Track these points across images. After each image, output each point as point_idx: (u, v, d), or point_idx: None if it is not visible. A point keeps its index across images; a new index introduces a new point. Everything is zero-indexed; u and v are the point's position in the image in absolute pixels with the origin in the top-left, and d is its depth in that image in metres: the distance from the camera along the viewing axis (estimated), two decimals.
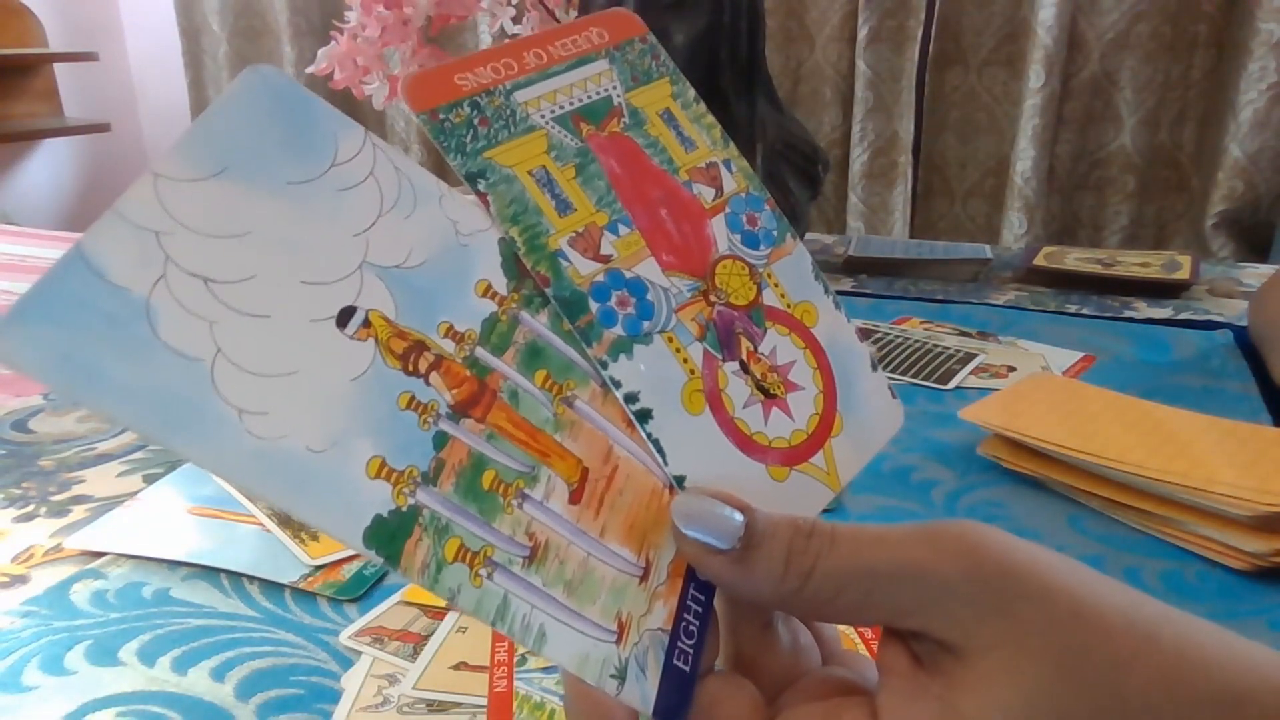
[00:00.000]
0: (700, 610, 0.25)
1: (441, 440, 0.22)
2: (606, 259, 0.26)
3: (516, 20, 0.95)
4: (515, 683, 0.39)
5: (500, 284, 0.24)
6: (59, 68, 2.64)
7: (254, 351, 0.20)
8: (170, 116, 2.79)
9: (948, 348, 0.80)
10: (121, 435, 0.66)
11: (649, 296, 0.26)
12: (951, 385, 0.72)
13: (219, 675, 0.40)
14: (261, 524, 0.52)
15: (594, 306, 0.26)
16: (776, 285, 0.29)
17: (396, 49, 0.93)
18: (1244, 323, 0.86)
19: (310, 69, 0.93)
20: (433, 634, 0.42)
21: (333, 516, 0.20)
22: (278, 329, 0.21)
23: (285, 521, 0.52)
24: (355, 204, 0.22)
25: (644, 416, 0.25)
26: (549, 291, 0.25)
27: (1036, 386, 0.64)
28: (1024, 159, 1.77)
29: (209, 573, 0.48)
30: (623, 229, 0.27)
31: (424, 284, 0.23)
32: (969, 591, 0.21)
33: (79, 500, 0.56)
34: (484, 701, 0.38)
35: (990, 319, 0.89)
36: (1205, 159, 1.72)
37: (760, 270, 0.29)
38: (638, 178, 0.28)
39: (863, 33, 1.85)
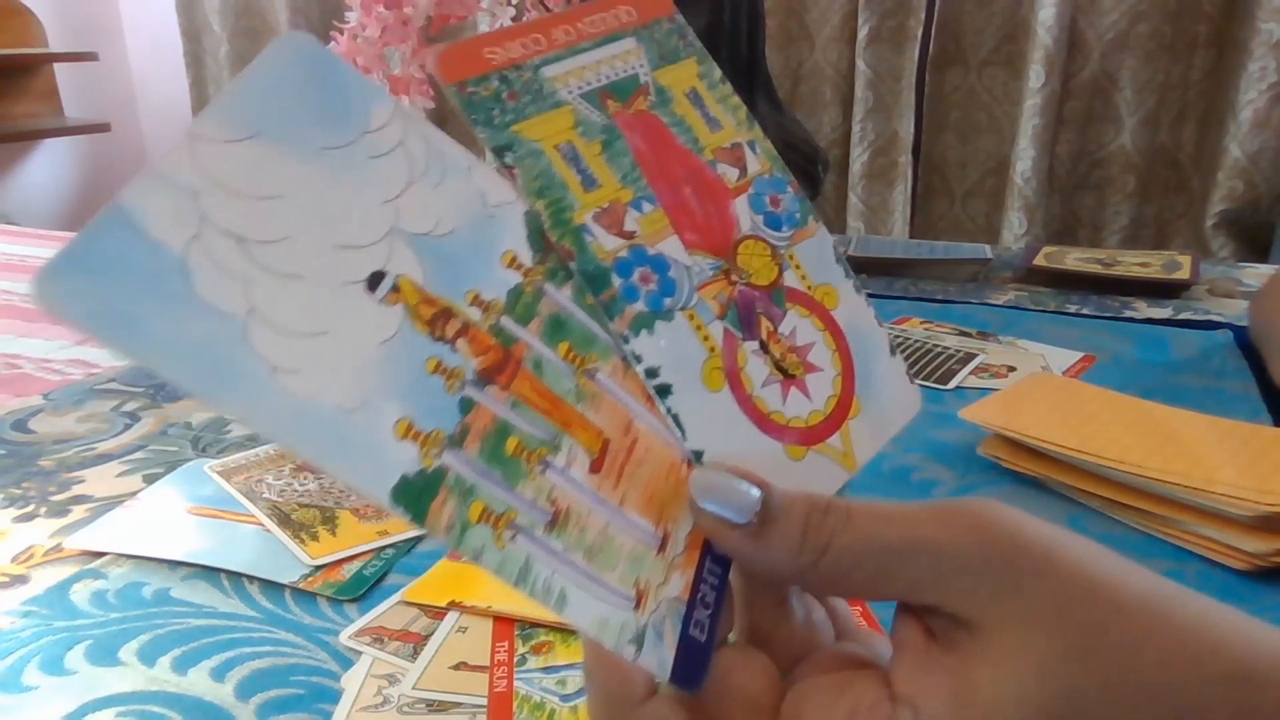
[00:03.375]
0: (716, 583, 0.25)
1: (467, 405, 0.23)
2: (630, 235, 0.26)
3: (516, 20, 0.95)
4: (515, 683, 0.39)
5: (526, 256, 0.25)
6: (59, 68, 2.64)
7: (287, 311, 0.21)
8: (170, 116, 2.79)
9: (948, 348, 0.80)
10: (121, 435, 0.66)
11: (671, 274, 0.27)
12: (951, 385, 0.72)
13: (219, 675, 0.40)
14: (261, 524, 0.52)
15: (616, 281, 0.26)
16: (798, 267, 0.29)
17: (396, 49, 0.93)
18: (1244, 323, 0.86)
19: None
20: (433, 634, 0.42)
21: (361, 474, 0.21)
22: (309, 290, 0.21)
23: (285, 521, 0.52)
24: (386, 171, 0.23)
25: (664, 391, 0.26)
26: (573, 265, 0.25)
27: (1036, 386, 0.64)
28: (1024, 159, 1.77)
29: (209, 573, 0.48)
30: (647, 206, 0.27)
31: (452, 252, 0.23)
32: (983, 567, 0.22)
33: (79, 500, 0.56)
34: (484, 701, 0.38)
35: (990, 319, 0.89)
36: (1205, 159, 1.72)
37: (782, 251, 0.29)
38: (663, 156, 0.28)
39: (863, 33, 1.85)
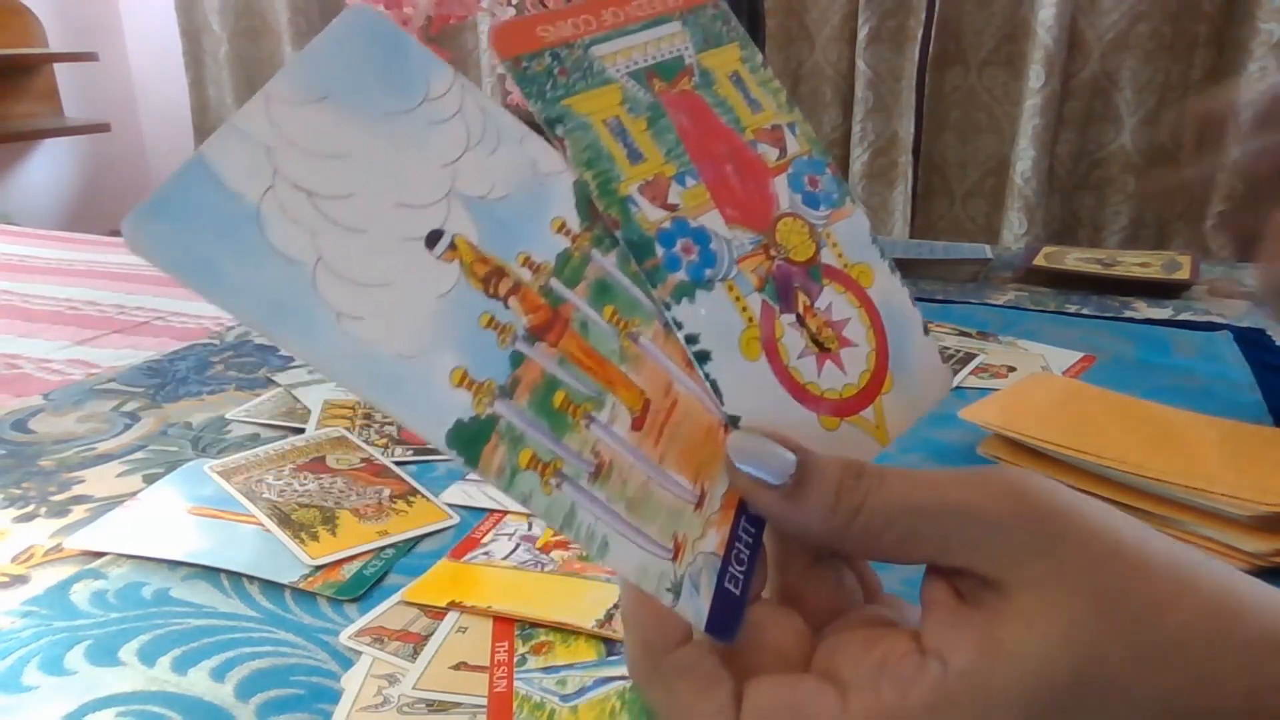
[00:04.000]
0: (751, 541, 0.26)
1: (518, 359, 0.24)
2: (673, 208, 0.27)
3: None
4: (515, 683, 0.39)
5: (574, 223, 0.26)
6: (59, 68, 2.64)
7: (351, 261, 0.22)
8: (170, 116, 2.79)
9: (948, 348, 0.80)
10: (121, 435, 0.66)
11: (712, 246, 0.28)
12: (951, 385, 0.72)
13: (219, 675, 0.40)
14: (261, 524, 0.52)
15: (659, 251, 0.27)
16: (835, 245, 0.30)
17: None
18: (1244, 323, 0.86)
19: None
20: (433, 634, 0.42)
21: (419, 417, 0.22)
22: (373, 243, 0.23)
23: (285, 521, 0.52)
24: (444, 137, 0.24)
25: (703, 358, 0.27)
26: (618, 234, 0.26)
27: (1036, 386, 0.64)
28: (1024, 159, 1.77)
29: (209, 573, 0.48)
30: (689, 181, 0.28)
31: (505, 215, 0.25)
32: (1013, 530, 0.22)
33: (79, 500, 0.56)
34: (484, 701, 0.38)
35: (990, 319, 0.89)
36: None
37: (820, 230, 0.30)
38: (705, 134, 0.29)
39: (863, 33, 1.85)
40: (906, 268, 1.08)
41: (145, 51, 2.85)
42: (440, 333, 0.23)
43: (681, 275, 0.27)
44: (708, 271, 0.27)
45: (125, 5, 2.86)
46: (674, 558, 0.25)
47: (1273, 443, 0.54)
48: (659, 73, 0.29)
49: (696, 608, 0.24)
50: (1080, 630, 0.21)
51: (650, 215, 0.27)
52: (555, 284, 0.25)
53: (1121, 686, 0.21)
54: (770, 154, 0.30)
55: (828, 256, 0.30)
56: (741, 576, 0.25)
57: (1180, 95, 1.72)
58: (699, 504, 0.26)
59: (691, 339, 0.27)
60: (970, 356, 0.77)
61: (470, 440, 0.23)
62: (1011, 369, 0.75)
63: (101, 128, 2.62)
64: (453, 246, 0.24)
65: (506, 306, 0.24)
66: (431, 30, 0.94)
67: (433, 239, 0.23)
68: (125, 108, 2.87)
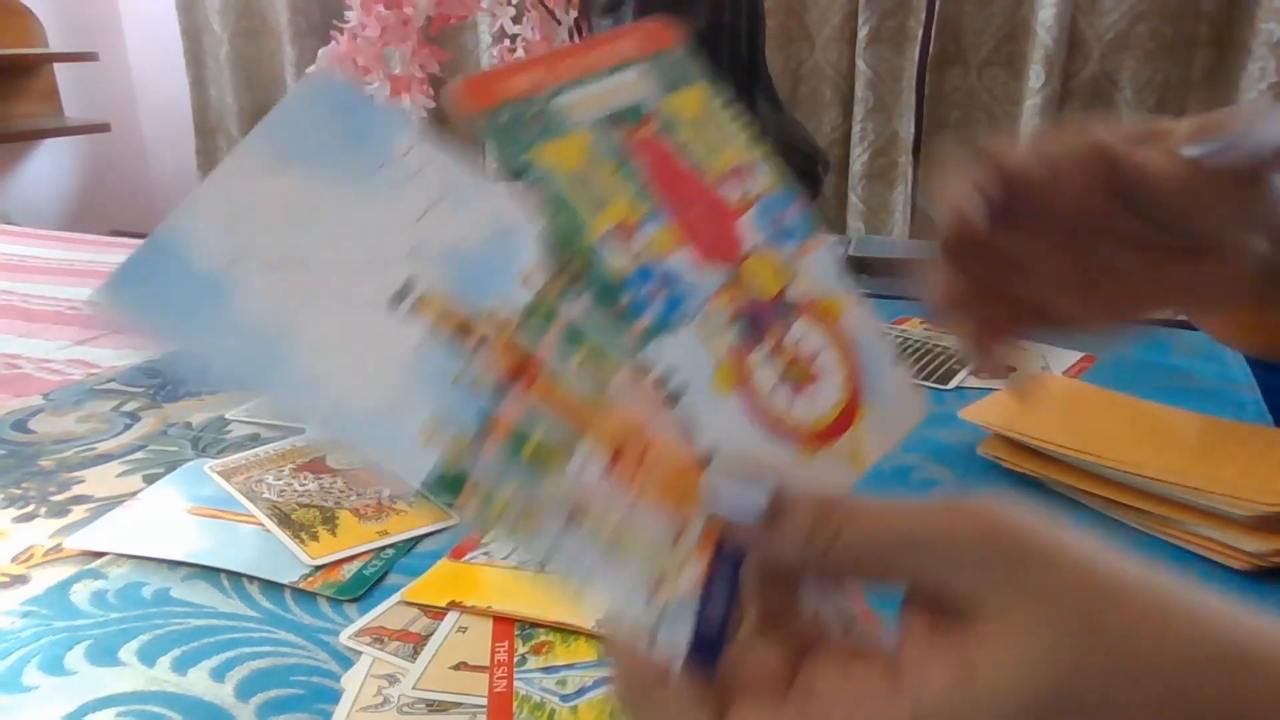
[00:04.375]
0: (729, 575, 0.26)
1: (489, 410, 0.24)
2: (641, 251, 0.28)
3: (516, 20, 0.95)
4: (515, 683, 0.39)
5: (542, 272, 0.26)
6: (59, 68, 2.64)
7: (319, 326, 0.23)
8: (170, 116, 2.79)
9: (948, 348, 0.80)
10: (121, 435, 0.66)
11: (681, 287, 0.28)
12: (951, 385, 0.72)
13: (219, 675, 0.40)
14: (261, 524, 0.52)
15: (628, 295, 0.27)
16: (804, 279, 0.31)
17: (396, 49, 0.93)
18: None
19: (310, 69, 0.93)
20: (433, 634, 0.42)
21: (394, 473, 0.23)
22: (340, 306, 0.23)
23: (285, 521, 0.52)
24: (410, 195, 0.25)
25: (676, 397, 0.27)
26: (587, 280, 0.27)
27: (1037, 386, 0.64)
28: None
29: (209, 573, 0.48)
30: (657, 222, 0.28)
31: (473, 269, 0.25)
32: (987, 556, 0.22)
33: (79, 500, 0.56)
34: (484, 701, 0.38)
35: None
36: None
37: (788, 265, 0.30)
38: (672, 177, 0.29)
39: (863, 33, 1.85)
40: (906, 268, 1.08)
41: (145, 51, 2.85)
42: (410, 389, 0.23)
43: (651, 317, 0.27)
44: (677, 312, 0.28)
45: (125, 5, 2.86)
46: (653, 596, 0.25)
47: (1273, 443, 0.54)
48: (624, 119, 0.29)
49: (676, 645, 0.25)
50: (1055, 653, 0.21)
51: (618, 260, 0.27)
52: (525, 333, 0.25)
53: (1097, 708, 0.21)
54: (737, 192, 0.30)
55: (797, 291, 0.30)
56: (720, 610, 0.26)
57: (1180, 95, 1.72)
58: (676, 540, 0.26)
59: (664, 379, 0.27)
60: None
61: (445, 492, 0.23)
62: (1011, 369, 0.75)
63: (101, 128, 2.62)
64: (421, 303, 0.24)
65: (477, 359, 0.24)
66: (431, 30, 0.94)
67: (400, 297, 0.24)
68: (125, 108, 2.87)
